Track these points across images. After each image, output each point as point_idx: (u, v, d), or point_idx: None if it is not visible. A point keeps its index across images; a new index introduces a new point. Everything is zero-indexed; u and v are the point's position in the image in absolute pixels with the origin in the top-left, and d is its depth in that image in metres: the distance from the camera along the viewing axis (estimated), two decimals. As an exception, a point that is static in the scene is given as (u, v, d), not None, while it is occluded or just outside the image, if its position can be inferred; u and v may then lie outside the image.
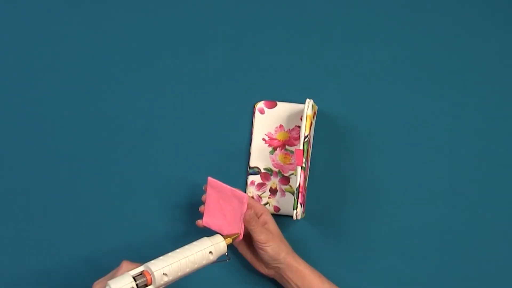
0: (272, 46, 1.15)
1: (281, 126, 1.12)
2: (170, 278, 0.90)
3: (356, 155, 1.11)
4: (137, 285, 0.87)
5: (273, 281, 1.06)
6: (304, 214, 1.08)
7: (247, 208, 0.98)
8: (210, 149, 1.12)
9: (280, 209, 1.09)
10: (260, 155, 1.11)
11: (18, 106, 1.14)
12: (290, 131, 1.12)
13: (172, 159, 1.12)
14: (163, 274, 0.89)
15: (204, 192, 1.03)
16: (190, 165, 1.11)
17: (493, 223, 1.08)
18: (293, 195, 1.09)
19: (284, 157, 1.11)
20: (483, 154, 1.10)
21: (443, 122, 1.11)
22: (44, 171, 1.12)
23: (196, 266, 0.93)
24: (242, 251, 1.04)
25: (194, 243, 0.95)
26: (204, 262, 0.94)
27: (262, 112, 1.12)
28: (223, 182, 1.00)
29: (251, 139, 1.12)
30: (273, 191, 1.10)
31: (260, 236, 0.98)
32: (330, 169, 1.11)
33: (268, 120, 1.12)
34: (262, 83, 1.14)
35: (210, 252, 0.95)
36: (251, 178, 1.10)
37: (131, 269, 0.89)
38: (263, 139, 1.12)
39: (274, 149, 1.11)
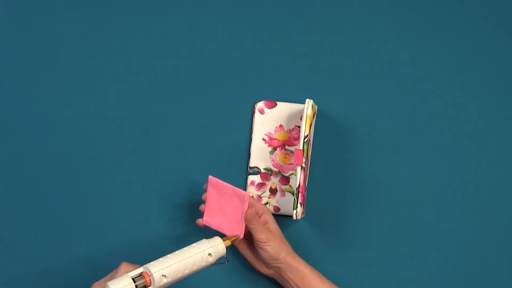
0: (272, 46, 1.15)
1: (281, 126, 1.12)
2: (169, 279, 0.90)
3: (356, 155, 1.11)
4: (136, 286, 0.87)
5: (273, 281, 1.06)
6: (304, 214, 1.08)
7: (248, 207, 0.97)
8: (210, 149, 1.12)
9: (280, 209, 1.09)
10: (260, 155, 1.11)
11: (18, 106, 1.14)
12: (290, 131, 1.12)
13: (172, 159, 1.12)
14: (162, 275, 0.89)
15: (205, 190, 1.03)
16: (190, 165, 1.11)
17: (493, 223, 1.08)
18: (293, 195, 1.09)
19: (284, 157, 1.11)
20: (483, 154, 1.10)
21: (443, 122, 1.11)
22: (44, 171, 1.12)
23: (195, 268, 0.93)
24: (242, 251, 1.04)
25: (193, 245, 0.95)
26: (203, 264, 0.94)
27: (262, 112, 1.12)
28: (224, 181, 1.00)
29: (251, 139, 1.12)
30: (273, 191, 1.10)
31: (260, 235, 0.97)
32: (330, 169, 1.10)
33: (268, 120, 1.12)
34: (262, 83, 1.14)
35: (209, 254, 0.94)
36: (251, 178, 1.10)
37: (130, 271, 0.89)
38: (263, 139, 1.11)
39: (274, 149, 1.11)
